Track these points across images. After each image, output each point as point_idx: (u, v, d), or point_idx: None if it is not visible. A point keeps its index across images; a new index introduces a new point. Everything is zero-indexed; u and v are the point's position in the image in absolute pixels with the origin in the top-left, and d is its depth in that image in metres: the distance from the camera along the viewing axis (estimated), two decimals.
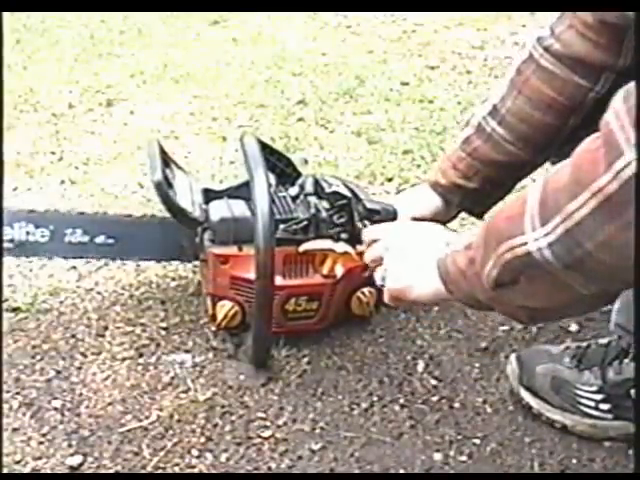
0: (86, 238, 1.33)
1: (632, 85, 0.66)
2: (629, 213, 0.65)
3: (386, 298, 1.00)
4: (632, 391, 1.14)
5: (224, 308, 1.27)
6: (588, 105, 1.12)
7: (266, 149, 1.27)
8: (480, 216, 1.30)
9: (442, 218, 1.26)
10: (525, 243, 0.74)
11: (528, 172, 1.23)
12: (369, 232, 1.09)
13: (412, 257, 0.96)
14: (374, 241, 1.04)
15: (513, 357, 1.24)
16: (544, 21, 1.16)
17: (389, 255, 0.99)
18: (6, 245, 1.30)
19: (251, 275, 1.20)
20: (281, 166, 1.36)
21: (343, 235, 1.25)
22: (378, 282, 1.02)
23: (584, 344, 1.21)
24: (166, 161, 1.33)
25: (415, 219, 1.23)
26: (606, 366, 1.16)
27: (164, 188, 1.26)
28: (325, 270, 1.26)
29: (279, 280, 1.20)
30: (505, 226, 0.78)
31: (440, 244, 0.92)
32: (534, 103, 1.13)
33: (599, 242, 0.68)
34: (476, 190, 1.23)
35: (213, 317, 1.29)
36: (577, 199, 0.68)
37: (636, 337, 1.01)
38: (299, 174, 1.36)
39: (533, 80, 1.13)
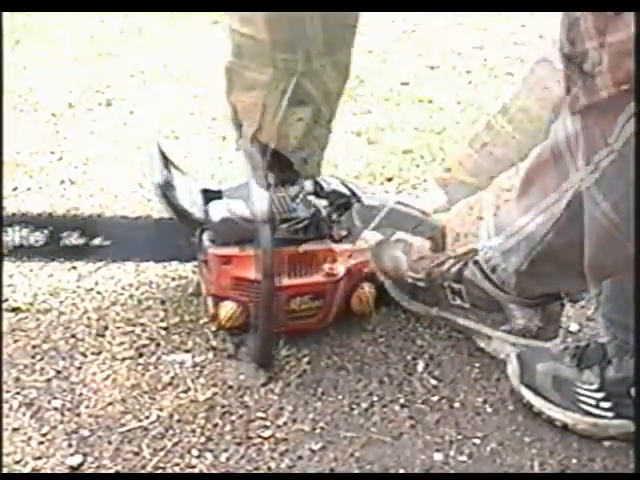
0: (83, 240, 1.33)
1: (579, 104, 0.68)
2: (575, 230, 0.72)
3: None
4: (632, 389, 1.14)
5: (226, 309, 1.27)
6: None
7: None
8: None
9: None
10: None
11: None
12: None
13: None
14: None
15: (514, 356, 1.24)
16: (544, 21, 1.16)
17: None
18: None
19: (254, 275, 1.21)
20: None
21: (343, 233, 1.25)
22: None
23: (583, 343, 1.22)
24: (165, 162, 1.33)
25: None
26: (606, 364, 1.17)
27: (165, 190, 1.26)
28: (327, 269, 1.26)
29: (284, 280, 1.20)
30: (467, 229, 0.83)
31: None
32: (544, 103, 1.14)
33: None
34: (479, 188, 1.23)
35: (215, 318, 1.29)
36: (527, 215, 0.72)
37: (636, 338, 1.02)
38: (297, 174, 1.37)
39: (544, 80, 1.13)
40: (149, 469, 1.10)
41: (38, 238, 1.31)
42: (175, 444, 1.14)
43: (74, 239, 1.32)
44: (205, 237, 1.29)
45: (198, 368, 1.27)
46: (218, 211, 1.27)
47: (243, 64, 0.97)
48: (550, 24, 1.15)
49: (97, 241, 1.34)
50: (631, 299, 1.11)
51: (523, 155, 1.16)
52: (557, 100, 1.12)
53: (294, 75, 0.96)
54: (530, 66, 1.17)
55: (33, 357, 1.27)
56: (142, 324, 1.35)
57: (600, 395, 1.16)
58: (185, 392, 1.22)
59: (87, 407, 1.19)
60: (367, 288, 1.33)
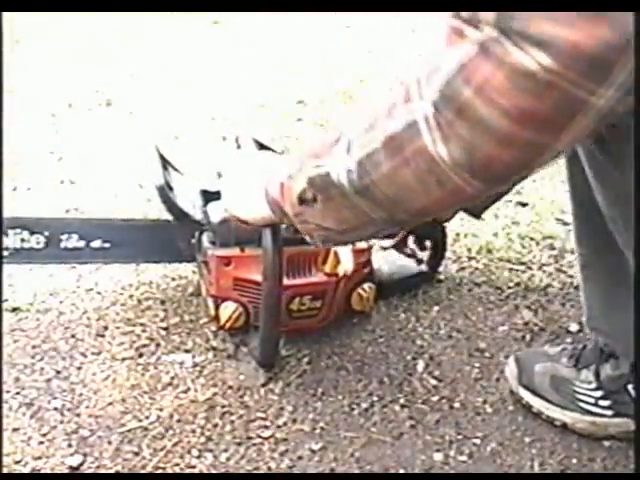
0: (82, 243, 1.33)
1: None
2: (406, 152, 0.72)
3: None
4: (630, 386, 1.15)
5: (228, 310, 1.27)
6: None
7: (262, 148, 1.27)
8: (479, 216, 1.31)
9: (441, 217, 1.27)
10: (327, 164, 0.81)
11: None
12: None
13: (243, 182, 1.07)
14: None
15: (511, 359, 1.25)
16: None
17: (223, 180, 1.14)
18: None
19: (255, 276, 1.21)
20: None
21: None
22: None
23: (580, 345, 1.23)
24: (164, 164, 1.33)
25: None
26: (602, 362, 1.17)
27: (166, 192, 1.27)
28: (328, 268, 1.26)
29: (284, 280, 1.20)
30: (318, 147, 0.85)
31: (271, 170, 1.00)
32: None
33: (381, 174, 0.76)
34: None
35: (216, 319, 1.29)
36: (370, 134, 0.76)
37: (636, 338, 1.02)
38: None
39: None
40: (149, 469, 1.10)
41: (39, 240, 1.31)
42: (175, 444, 1.14)
43: (74, 241, 1.32)
44: (205, 238, 1.29)
45: (198, 368, 1.27)
46: (218, 212, 1.27)
47: None
48: None
49: (97, 243, 1.34)
50: (606, 304, 1.11)
51: None
52: None
53: None
54: None
55: (33, 357, 1.27)
56: (142, 324, 1.35)
57: (598, 394, 1.17)
58: (185, 392, 1.22)
59: (87, 407, 1.19)
60: (367, 286, 1.33)
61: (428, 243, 1.44)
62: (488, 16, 0.63)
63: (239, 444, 1.14)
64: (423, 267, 1.45)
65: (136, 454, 1.12)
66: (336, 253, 1.26)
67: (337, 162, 0.80)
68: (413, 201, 0.77)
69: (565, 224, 1.61)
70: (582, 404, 1.17)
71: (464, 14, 0.66)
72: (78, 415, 1.17)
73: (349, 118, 0.82)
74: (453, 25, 0.67)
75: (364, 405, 1.22)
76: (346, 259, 1.22)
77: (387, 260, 1.44)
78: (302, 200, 0.87)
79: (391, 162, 0.74)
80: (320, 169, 0.82)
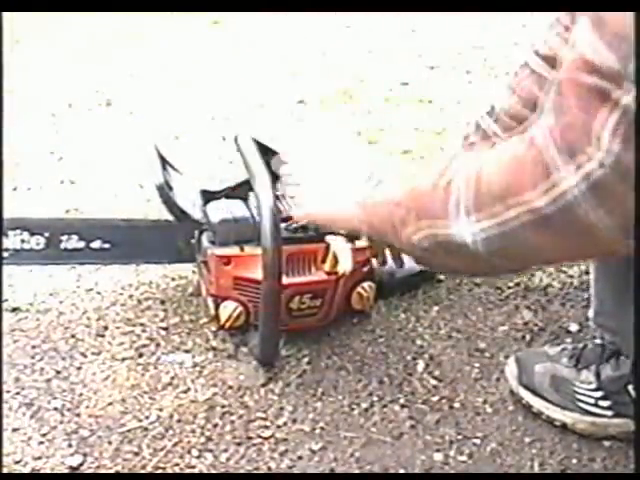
0: (82, 244, 1.33)
1: (556, 100, 0.67)
2: (554, 223, 0.69)
3: (296, 216, 1.07)
4: (630, 387, 1.15)
5: (228, 309, 1.27)
6: None
7: (260, 148, 1.27)
8: None
9: None
10: (448, 227, 0.76)
11: None
12: (284, 168, 1.11)
13: (330, 188, 0.99)
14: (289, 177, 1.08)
15: (511, 359, 1.25)
16: (544, 21, 1.16)
17: (306, 186, 1.03)
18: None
19: (255, 275, 1.21)
20: None
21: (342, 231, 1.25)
22: (291, 211, 1.07)
23: (580, 345, 1.23)
24: (163, 164, 1.33)
25: None
26: (603, 363, 1.17)
27: (166, 191, 1.27)
28: (327, 267, 1.26)
29: (283, 279, 1.21)
30: (429, 204, 0.79)
31: (359, 180, 0.94)
32: (525, 102, 1.16)
33: (521, 243, 0.72)
34: None
35: (216, 318, 1.29)
36: (510, 206, 0.71)
37: (636, 338, 1.02)
38: None
39: (525, 82, 1.16)
40: (149, 469, 1.10)
41: (39, 241, 1.31)
42: (175, 444, 1.14)
43: (74, 242, 1.32)
44: (204, 238, 1.29)
45: (198, 368, 1.27)
46: (217, 212, 1.27)
47: None
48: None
49: (97, 244, 1.34)
50: (616, 303, 1.11)
51: None
52: (537, 100, 1.14)
53: None
54: (515, 70, 1.19)
55: (33, 357, 1.27)
56: (142, 324, 1.35)
57: (598, 394, 1.17)
58: (185, 392, 1.22)
59: (87, 407, 1.19)
60: (367, 286, 1.33)
61: None
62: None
63: (239, 444, 1.14)
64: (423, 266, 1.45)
65: (136, 454, 1.12)
66: (335, 252, 1.26)
67: (459, 226, 0.76)
68: (552, 257, 0.76)
69: None
70: (582, 404, 1.17)
71: (604, 68, 0.62)
72: (78, 415, 1.17)
73: (453, 173, 0.77)
74: (589, 83, 0.63)
75: (364, 405, 1.22)
76: (346, 258, 1.22)
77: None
78: (420, 247, 0.82)
79: (534, 233, 0.71)
80: (439, 230, 0.78)
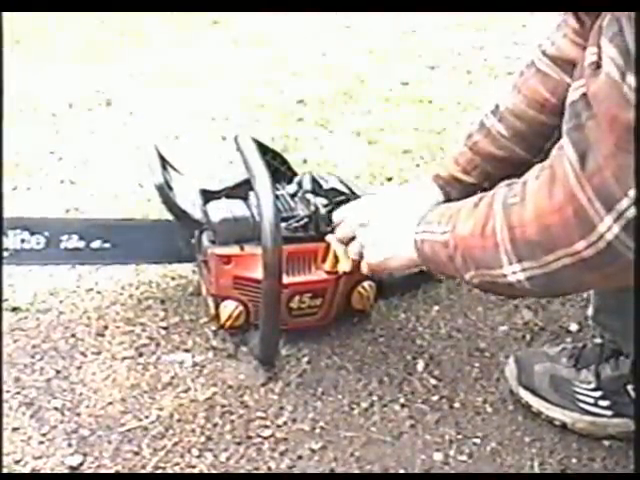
0: (82, 244, 1.33)
1: (583, 145, 0.73)
2: (602, 270, 0.77)
3: (364, 270, 1.15)
4: (629, 387, 1.15)
5: (228, 308, 1.27)
6: None
7: (260, 148, 1.27)
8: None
9: None
10: (504, 275, 0.86)
11: (524, 171, 1.24)
12: (338, 212, 1.22)
13: (388, 232, 1.09)
14: (343, 220, 1.19)
15: (511, 359, 1.25)
16: (544, 21, 1.17)
17: (365, 230, 1.13)
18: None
19: (255, 274, 1.21)
20: (275, 164, 1.36)
21: None
22: (353, 256, 1.18)
23: (580, 344, 1.23)
24: (163, 164, 1.33)
25: None
26: (602, 362, 1.17)
27: (166, 191, 1.27)
28: (327, 266, 1.26)
29: (283, 278, 1.21)
30: (481, 256, 0.89)
31: (413, 219, 1.03)
32: (530, 102, 1.16)
33: (569, 284, 0.84)
34: (474, 185, 1.24)
35: (216, 317, 1.29)
36: (553, 254, 0.80)
37: (636, 338, 1.02)
38: (294, 172, 1.37)
39: (531, 81, 1.16)
40: (149, 469, 1.10)
41: (39, 241, 1.31)
42: (175, 444, 1.14)
43: (74, 242, 1.32)
44: (204, 237, 1.29)
45: (198, 368, 1.27)
46: (217, 211, 1.27)
47: None
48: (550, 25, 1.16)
49: (97, 244, 1.34)
50: (618, 301, 1.11)
51: (514, 153, 1.18)
52: (542, 100, 1.14)
53: None
54: (520, 70, 1.19)
55: (33, 357, 1.27)
56: (142, 324, 1.35)
57: (598, 394, 1.17)
58: (185, 392, 1.22)
59: (87, 407, 1.19)
60: (367, 285, 1.33)
61: None
62: None
63: (239, 444, 1.14)
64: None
65: (136, 454, 1.12)
66: (336, 251, 1.26)
67: (509, 272, 0.86)
68: (592, 287, 0.89)
69: None
70: (582, 404, 1.17)
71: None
72: (78, 415, 1.17)
73: (496, 221, 0.86)
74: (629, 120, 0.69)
75: (364, 405, 1.22)
76: (346, 257, 1.22)
77: None
78: (473, 283, 0.93)
79: (579, 274, 0.80)
80: (493, 278, 0.89)
